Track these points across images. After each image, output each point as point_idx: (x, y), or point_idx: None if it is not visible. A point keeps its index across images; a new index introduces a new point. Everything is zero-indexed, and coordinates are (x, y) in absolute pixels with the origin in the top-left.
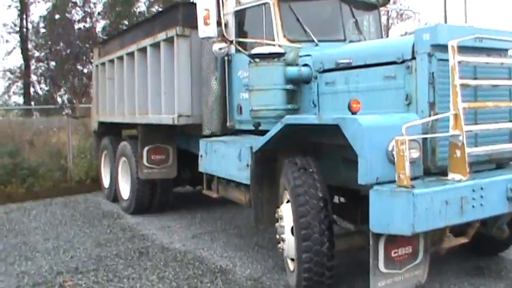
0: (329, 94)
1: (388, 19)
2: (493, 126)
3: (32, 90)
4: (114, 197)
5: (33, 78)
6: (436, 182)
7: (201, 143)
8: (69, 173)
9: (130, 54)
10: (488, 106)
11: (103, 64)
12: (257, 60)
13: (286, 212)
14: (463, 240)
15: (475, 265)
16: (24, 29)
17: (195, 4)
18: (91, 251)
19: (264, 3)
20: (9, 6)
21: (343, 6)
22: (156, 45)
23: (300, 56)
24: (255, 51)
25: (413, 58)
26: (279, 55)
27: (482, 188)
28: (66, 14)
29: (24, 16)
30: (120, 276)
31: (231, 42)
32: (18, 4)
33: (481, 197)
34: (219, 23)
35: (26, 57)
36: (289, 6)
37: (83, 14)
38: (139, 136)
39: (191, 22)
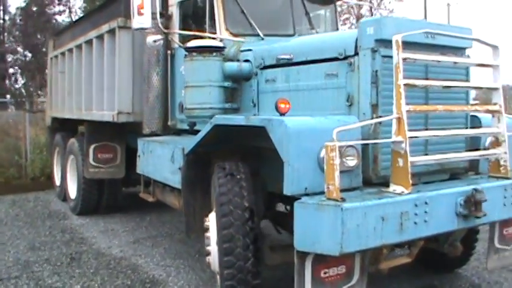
0: (269, 93)
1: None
2: (442, 133)
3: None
4: (65, 196)
5: (11, 70)
6: (375, 194)
7: (139, 142)
8: (24, 170)
9: (79, 47)
10: (438, 110)
11: (56, 57)
12: (192, 54)
13: (213, 222)
14: (405, 260)
15: (428, 283)
16: (1, 21)
17: None
18: (21, 255)
19: None
20: None
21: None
22: (100, 38)
23: (241, 51)
24: (190, 44)
25: (356, 54)
26: (217, 49)
27: (426, 203)
28: (46, 9)
29: (2, 7)
30: (42, 285)
31: (166, 34)
32: None
33: (425, 212)
34: (162, 14)
35: (3, 50)
36: None
37: (63, 8)
38: (85, 133)
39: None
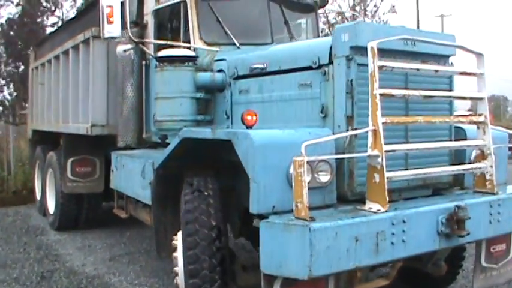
0: (243, 104)
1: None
2: (421, 146)
3: None
4: (45, 210)
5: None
6: (349, 212)
7: (112, 156)
8: (7, 183)
9: (57, 58)
10: (417, 121)
11: (37, 68)
12: (163, 64)
13: (180, 241)
14: (382, 282)
15: None
16: None
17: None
18: None
19: (182, 1)
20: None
21: (273, 7)
22: (76, 48)
23: (215, 61)
24: (161, 53)
25: (331, 63)
26: (189, 59)
27: (404, 221)
28: (38, 19)
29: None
30: None
31: (137, 43)
32: None
33: (403, 231)
34: (136, 23)
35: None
36: (208, 5)
37: (56, 20)
38: (63, 146)
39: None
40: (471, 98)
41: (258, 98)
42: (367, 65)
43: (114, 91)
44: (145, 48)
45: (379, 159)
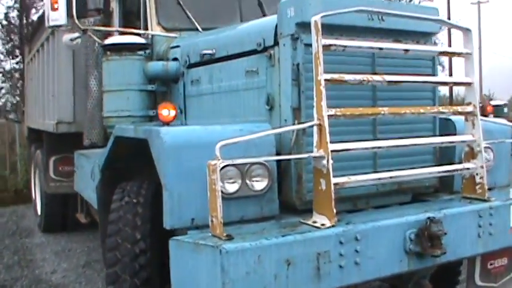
0: (195, 96)
1: None
2: (379, 144)
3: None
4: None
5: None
6: (290, 227)
7: (75, 156)
8: (8, 182)
9: (38, 51)
10: (379, 113)
11: (29, 62)
12: (108, 53)
13: None
14: None
15: None
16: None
17: None
18: None
19: None
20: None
21: None
22: (47, 40)
23: (171, 48)
24: (108, 41)
25: (276, 44)
26: (138, 46)
27: (357, 239)
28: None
29: (24, 18)
30: None
31: (84, 31)
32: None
33: (356, 251)
34: (102, 10)
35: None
36: None
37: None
38: (45, 144)
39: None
40: (455, 84)
41: (208, 88)
42: None
43: (80, 85)
44: (94, 37)
45: (325, 161)
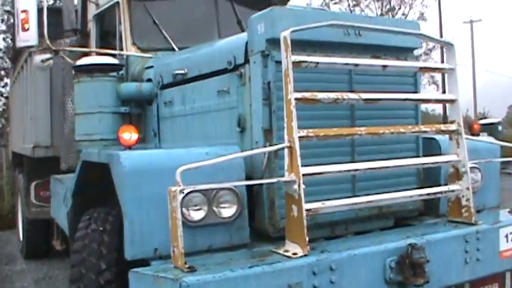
0: (168, 118)
1: None
2: (355, 166)
3: None
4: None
5: None
6: (259, 257)
7: (51, 180)
8: None
9: (19, 73)
10: (355, 134)
11: (12, 85)
12: (80, 74)
13: None
14: None
15: None
16: None
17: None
18: None
19: (116, 3)
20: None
21: (221, 4)
22: (26, 61)
23: (145, 69)
24: (79, 62)
25: (247, 62)
26: (112, 67)
27: (332, 268)
28: None
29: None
30: None
31: (56, 52)
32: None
33: (332, 282)
34: (79, 31)
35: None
36: (144, 6)
37: None
38: (25, 169)
39: (54, 31)
40: (438, 101)
41: (181, 110)
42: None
43: (57, 108)
44: (67, 58)
45: (296, 186)
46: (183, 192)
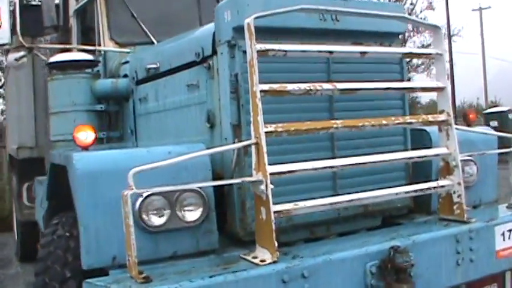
0: (144, 115)
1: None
2: (323, 164)
3: None
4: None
5: None
6: (224, 264)
7: (35, 182)
8: None
9: (8, 73)
10: (330, 128)
11: (3, 86)
12: (53, 71)
13: None
14: None
15: None
16: None
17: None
18: None
19: None
20: None
21: None
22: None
23: (122, 64)
24: (52, 59)
25: (215, 53)
26: (87, 63)
27: (305, 276)
28: None
29: None
30: None
31: (30, 49)
32: None
33: None
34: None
35: None
36: None
37: None
38: (17, 170)
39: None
40: (425, 90)
41: (155, 106)
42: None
43: (41, 108)
44: (41, 55)
45: (263, 186)
46: (141, 196)
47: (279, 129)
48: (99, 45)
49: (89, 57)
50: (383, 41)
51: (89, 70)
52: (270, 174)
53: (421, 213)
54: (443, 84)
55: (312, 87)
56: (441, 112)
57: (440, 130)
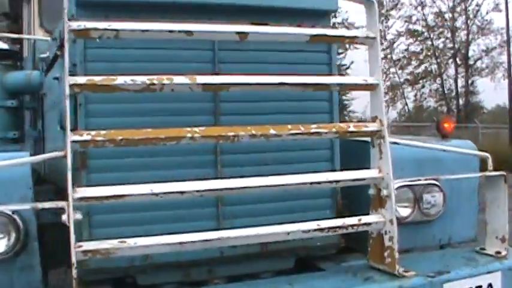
0: (49, 111)
1: (468, 33)
2: (186, 187)
3: None
4: None
5: None
6: None
7: None
8: None
9: None
10: (184, 137)
11: None
12: None
13: None
14: None
15: None
16: None
17: None
18: None
19: None
20: None
21: None
22: None
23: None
24: None
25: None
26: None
27: None
28: None
29: None
30: None
31: None
32: None
33: None
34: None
35: None
36: None
37: None
38: None
39: None
40: (348, 87)
41: (51, 103)
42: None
43: None
44: None
45: (64, 216)
46: None
47: (99, 138)
48: (28, 33)
49: (3, 46)
50: (303, 22)
51: (5, 62)
52: (79, 199)
53: (357, 253)
54: (375, 80)
55: (155, 81)
56: (373, 119)
57: (372, 145)
